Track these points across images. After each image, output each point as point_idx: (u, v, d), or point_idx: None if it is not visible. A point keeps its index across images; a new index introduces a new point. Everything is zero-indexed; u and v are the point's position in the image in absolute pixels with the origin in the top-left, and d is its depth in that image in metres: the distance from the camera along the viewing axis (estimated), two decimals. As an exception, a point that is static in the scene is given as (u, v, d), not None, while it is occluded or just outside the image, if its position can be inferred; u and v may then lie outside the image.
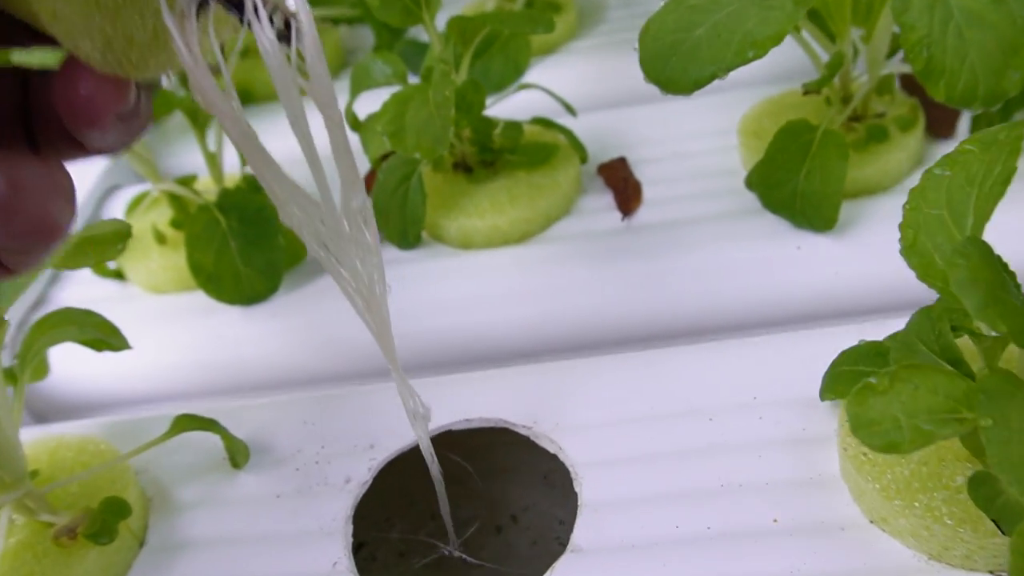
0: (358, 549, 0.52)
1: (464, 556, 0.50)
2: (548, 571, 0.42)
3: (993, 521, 0.36)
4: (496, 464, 0.56)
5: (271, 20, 0.25)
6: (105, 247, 0.53)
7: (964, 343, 0.37)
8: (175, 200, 0.66)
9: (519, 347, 0.57)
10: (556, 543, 0.57)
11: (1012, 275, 0.35)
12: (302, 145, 0.28)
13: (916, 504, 0.38)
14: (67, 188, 0.26)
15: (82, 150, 0.27)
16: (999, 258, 0.34)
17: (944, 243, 0.38)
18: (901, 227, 0.39)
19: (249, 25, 0.25)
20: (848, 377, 0.43)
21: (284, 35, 0.26)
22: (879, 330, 0.46)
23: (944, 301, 0.38)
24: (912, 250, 0.38)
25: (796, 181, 0.56)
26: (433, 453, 0.44)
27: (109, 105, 0.25)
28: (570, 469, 0.46)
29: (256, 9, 0.25)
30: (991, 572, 0.38)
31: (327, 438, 0.51)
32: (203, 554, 0.46)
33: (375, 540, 0.53)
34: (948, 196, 0.38)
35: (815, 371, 0.46)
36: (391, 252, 0.63)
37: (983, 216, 0.37)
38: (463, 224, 0.61)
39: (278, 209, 0.30)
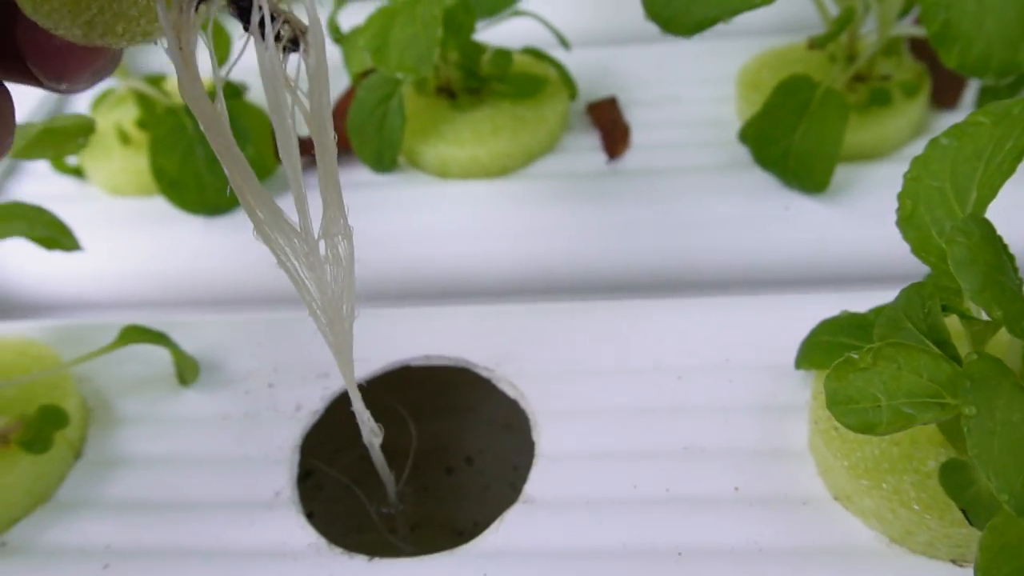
0: (304, 478, 0.50)
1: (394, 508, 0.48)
2: (498, 519, 0.41)
3: (962, 511, 0.34)
4: (455, 404, 0.54)
5: (278, 34, 0.23)
6: (65, 140, 0.50)
7: (952, 324, 0.36)
8: (142, 99, 0.62)
9: (488, 285, 0.54)
10: (509, 489, 0.55)
11: (1011, 258, 0.33)
12: (287, 166, 0.26)
13: (884, 485, 0.37)
14: (6, 114, 0.23)
15: (33, 81, 0.24)
16: (1000, 239, 0.32)
17: (943, 218, 0.36)
18: (900, 197, 0.37)
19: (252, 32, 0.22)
20: (826, 348, 0.42)
21: (291, 48, 0.23)
22: (862, 301, 0.44)
23: (936, 278, 0.36)
24: (909, 222, 0.37)
25: (791, 139, 0.53)
26: (385, 465, 0.42)
27: (84, 63, 0.22)
28: (529, 417, 0.45)
29: (262, 18, 0.22)
30: (953, 561, 0.37)
31: (281, 362, 0.49)
32: (141, 471, 0.44)
33: (322, 471, 0.52)
34: (953, 168, 0.36)
35: (792, 338, 0.44)
36: (364, 174, 0.60)
37: (988, 193, 0.35)
38: (442, 152, 0.59)
39: (253, 224, 0.28)
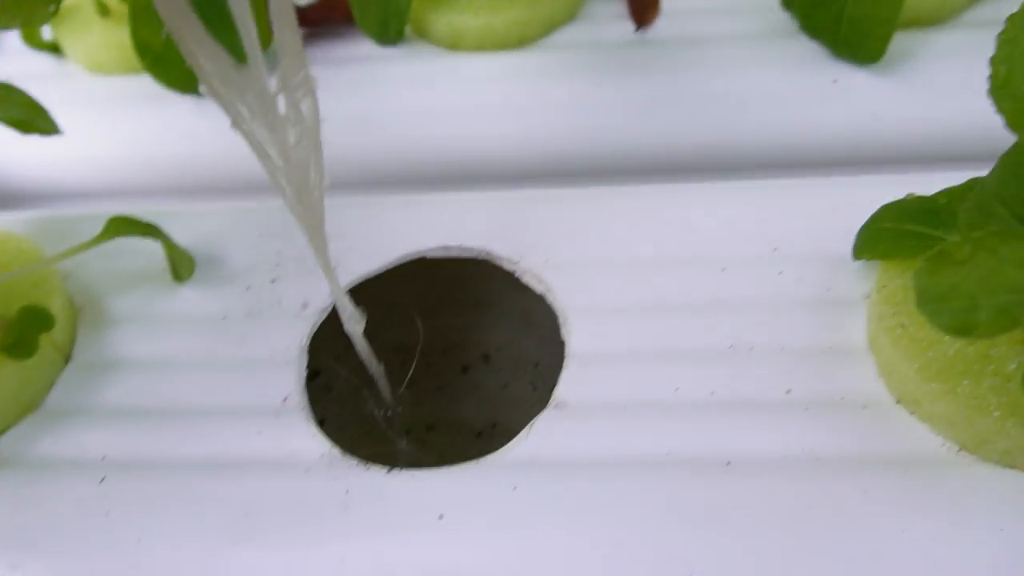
0: (312, 378, 0.47)
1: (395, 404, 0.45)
2: (527, 426, 0.37)
3: (1049, 418, 0.31)
4: (473, 298, 0.50)
5: None
6: (32, 6, 0.45)
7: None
8: (121, -35, 0.56)
9: (509, 169, 0.50)
10: (529, 388, 0.52)
11: None
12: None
13: (959, 390, 0.33)
14: None
15: None
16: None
17: (1045, 86, 0.31)
18: (992, 61, 0.32)
19: None
20: (890, 236, 0.37)
21: None
22: (925, 184, 0.40)
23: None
24: (1004, 90, 0.32)
25: (844, 2, 0.48)
26: (371, 354, 0.39)
27: None
28: (558, 313, 0.41)
29: None
30: (1031, 470, 0.34)
31: (285, 255, 0.45)
32: (136, 376, 0.41)
33: (332, 371, 0.48)
34: (1056, 29, 0.31)
35: (847, 224, 0.40)
36: (368, 47, 0.55)
37: (1102, 56, 0.30)
38: (453, 20, 0.53)
39: (200, 78, 0.23)
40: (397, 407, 0.44)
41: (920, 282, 0.27)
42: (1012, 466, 0.34)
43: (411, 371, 0.46)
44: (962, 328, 0.26)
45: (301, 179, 0.31)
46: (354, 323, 0.38)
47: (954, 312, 0.27)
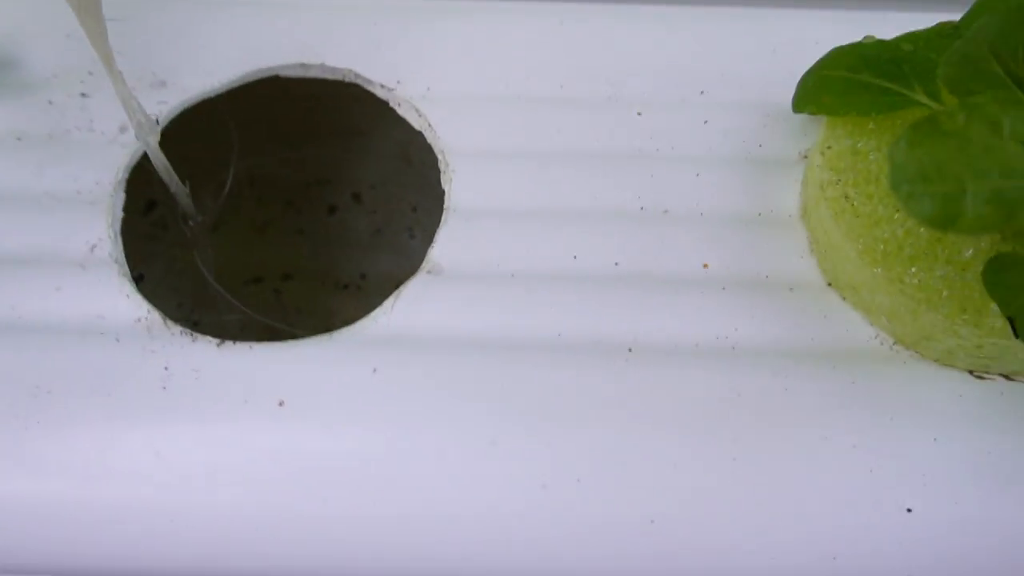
0: (147, 210, 0.39)
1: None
2: (392, 295, 0.31)
3: (1008, 320, 0.26)
4: (339, 128, 0.42)
5: None
6: None
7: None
8: None
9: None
10: (406, 235, 0.45)
11: None
12: None
13: (905, 279, 0.28)
14: None
15: None
16: None
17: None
18: None
19: None
20: (840, 86, 0.31)
21: None
22: (883, 24, 0.33)
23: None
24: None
25: None
26: (171, 170, 0.31)
27: None
28: (438, 157, 0.34)
29: None
30: (972, 372, 0.29)
31: (98, 62, 0.36)
32: None
33: (164, 201, 0.40)
34: None
35: (789, 68, 0.34)
36: None
37: None
38: None
39: None
40: (199, 216, 0.37)
41: (897, 156, 0.21)
42: (952, 365, 0.29)
43: (226, 189, 0.38)
44: (944, 218, 0.21)
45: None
46: (146, 133, 0.31)
47: (936, 197, 0.21)
